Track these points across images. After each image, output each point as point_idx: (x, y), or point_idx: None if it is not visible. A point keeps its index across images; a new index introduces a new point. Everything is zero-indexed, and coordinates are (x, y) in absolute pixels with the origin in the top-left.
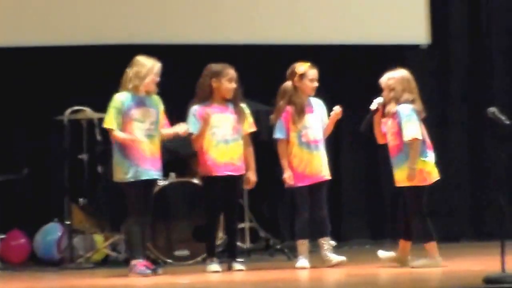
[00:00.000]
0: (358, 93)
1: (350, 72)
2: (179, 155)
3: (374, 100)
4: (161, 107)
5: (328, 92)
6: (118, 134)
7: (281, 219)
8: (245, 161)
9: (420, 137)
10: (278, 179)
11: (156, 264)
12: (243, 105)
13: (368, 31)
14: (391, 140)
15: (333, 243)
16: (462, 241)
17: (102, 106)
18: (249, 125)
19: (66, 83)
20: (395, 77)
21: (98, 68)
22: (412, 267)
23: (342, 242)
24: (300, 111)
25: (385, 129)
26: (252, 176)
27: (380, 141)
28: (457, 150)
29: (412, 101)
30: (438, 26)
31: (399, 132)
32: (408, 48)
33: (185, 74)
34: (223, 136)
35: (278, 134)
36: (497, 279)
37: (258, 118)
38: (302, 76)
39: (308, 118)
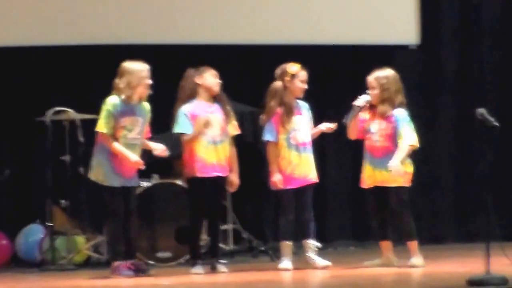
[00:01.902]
0: (346, 94)
1: (338, 73)
2: (162, 157)
3: (361, 97)
4: (148, 116)
5: (315, 93)
6: (114, 145)
7: (265, 221)
8: (229, 163)
9: (418, 146)
10: (262, 181)
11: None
12: (228, 107)
13: (357, 31)
14: (378, 141)
15: (318, 245)
16: (446, 243)
17: (84, 107)
18: (234, 128)
19: (48, 83)
20: (388, 77)
21: (80, 69)
22: (399, 266)
23: (327, 243)
24: (290, 113)
25: (373, 129)
26: (235, 179)
27: (353, 136)
28: (445, 151)
29: (404, 105)
30: (428, 27)
31: (391, 135)
32: (397, 48)
33: (165, 74)
34: (212, 137)
35: (268, 137)
36: (481, 281)
37: (242, 119)
38: (293, 76)
39: (297, 120)
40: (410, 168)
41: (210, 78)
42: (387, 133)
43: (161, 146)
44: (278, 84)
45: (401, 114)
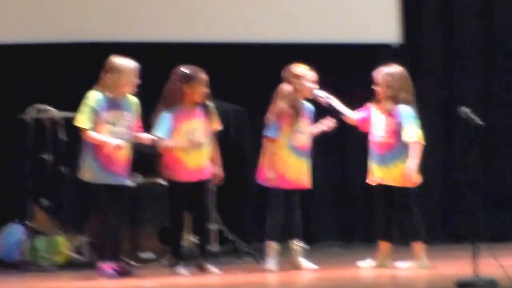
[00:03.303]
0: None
1: (320, 72)
2: (144, 155)
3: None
4: (138, 110)
5: None
6: (93, 134)
7: (249, 221)
8: (211, 157)
9: (423, 143)
10: (246, 180)
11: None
12: (210, 104)
13: (339, 30)
14: (382, 137)
15: (304, 246)
16: (434, 244)
17: (66, 104)
18: (216, 123)
19: (29, 80)
20: (393, 74)
21: (62, 66)
22: (397, 268)
23: (312, 244)
24: (298, 115)
25: (377, 125)
26: (220, 172)
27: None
28: (429, 151)
29: (410, 102)
30: (410, 25)
31: (396, 131)
32: (379, 47)
33: (147, 72)
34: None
35: (270, 133)
36: (470, 283)
37: (226, 118)
38: (301, 78)
39: (302, 123)
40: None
41: (198, 89)
42: (391, 129)
43: (147, 135)
44: (287, 86)
45: (405, 110)
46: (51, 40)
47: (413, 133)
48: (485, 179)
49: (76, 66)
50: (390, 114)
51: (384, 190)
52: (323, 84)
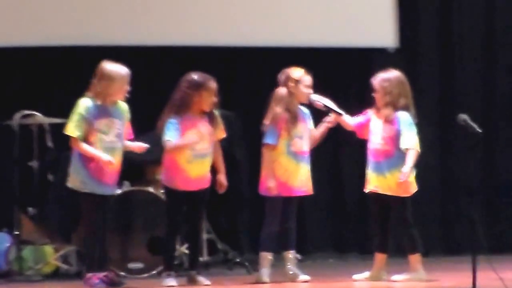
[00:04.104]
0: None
1: (315, 76)
2: (134, 162)
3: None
4: (128, 116)
5: None
6: (83, 146)
7: (241, 231)
8: (215, 164)
9: (419, 150)
10: (238, 188)
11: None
12: (216, 112)
13: (335, 34)
14: (380, 144)
15: (298, 256)
16: (431, 256)
17: (53, 110)
18: (221, 131)
19: (15, 86)
20: (391, 79)
21: (49, 71)
22: (393, 281)
23: (305, 255)
24: (294, 119)
25: (375, 132)
26: (224, 180)
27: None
28: (426, 159)
29: (409, 108)
30: (407, 29)
31: (393, 138)
32: (375, 51)
33: (140, 75)
34: (200, 151)
35: (269, 140)
36: None
37: None
38: (298, 81)
39: (300, 128)
40: (411, 176)
41: (207, 98)
42: (389, 136)
43: (139, 144)
44: (282, 89)
45: (403, 117)
46: (39, 44)
47: (410, 140)
48: (484, 189)
49: (63, 71)
50: (388, 121)
51: (380, 199)
52: (319, 88)
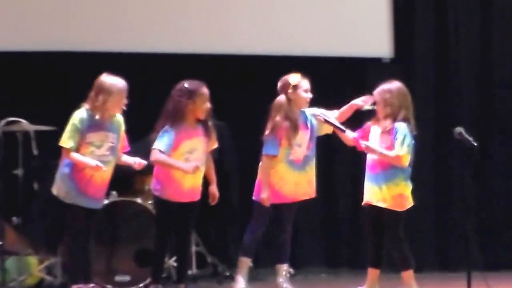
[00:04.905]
0: (318, 105)
1: (310, 85)
2: (122, 172)
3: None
4: (122, 128)
5: None
6: (74, 156)
7: (230, 244)
8: (207, 175)
9: (406, 164)
10: (228, 200)
11: None
12: (210, 121)
13: (330, 43)
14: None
15: (291, 271)
16: (426, 271)
17: (39, 118)
18: (213, 141)
19: (0, 92)
20: (392, 91)
21: (35, 77)
22: None
23: (297, 269)
24: (295, 128)
25: (373, 143)
26: (216, 191)
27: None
28: (420, 172)
29: (409, 120)
30: (402, 40)
31: (390, 149)
32: (370, 61)
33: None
34: (194, 162)
35: (271, 150)
36: None
37: None
38: (296, 87)
39: (301, 135)
40: (407, 191)
41: (200, 105)
42: (386, 147)
43: (139, 160)
44: (281, 98)
45: (400, 127)
46: (24, 49)
47: (400, 149)
48: (479, 205)
49: (48, 78)
50: (386, 132)
51: (374, 212)
52: (315, 96)
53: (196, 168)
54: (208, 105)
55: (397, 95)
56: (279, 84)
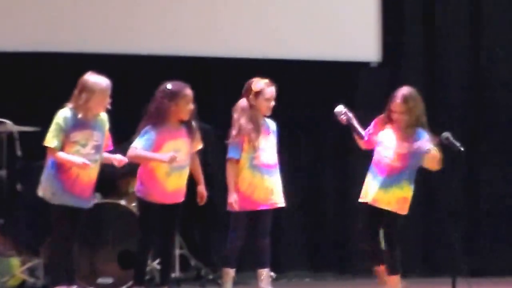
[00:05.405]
0: (306, 109)
1: (298, 89)
2: (106, 174)
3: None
4: (107, 127)
5: (275, 109)
6: (59, 155)
7: (214, 247)
8: (194, 176)
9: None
10: (212, 203)
11: None
12: (194, 122)
13: (318, 47)
14: (391, 159)
15: (272, 275)
16: (411, 277)
17: (23, 118)
18: (198, 142)
19: None
20: (414, 98)
21: (20, 78)
22: None
23: (280, 274)
24: (257, 131)
25: (388, 146)
26: (204, 190)
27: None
28: None
29: (426, 125)
30: (390, 44)
31: (407, 156)
32: (358, 65)
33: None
34: (178, 163)
35: (232, 154)
36: None
37: None
38: (258, 94)
39: (264, 140)
40: (410, 194)
41: (183, 106)
42: (403, 153)
43: (120, 157)
44: (243, 101)
45: (423, 133)
46: (8, 49)
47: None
48: (465, 210)
49: (34, 78)
50: (406, 138)
51: (375, 213)
52: (300, 101)
53: (173, 159)
54: (191, 106)
55: (419, 101)
56: (244, 86)
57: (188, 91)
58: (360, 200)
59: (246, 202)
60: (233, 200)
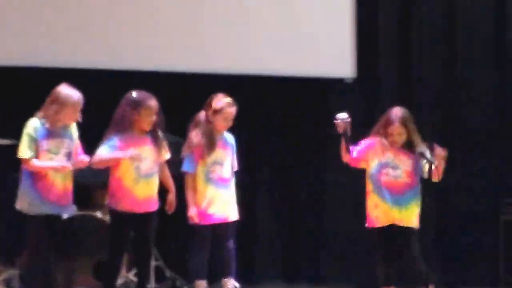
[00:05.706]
0: (279, 126)
1: (270, 104)
2: (81, 186)
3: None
4: (76, 135)
5: (250, 125)
6: (35, 164)
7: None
8: (164, 184)
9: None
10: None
11: None
12: (159, 132)
13: (291, 63)
14: (401, 177)
15: (237, 285)
16: None
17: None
18: (165, 152)
19: None
20: (409, 117)
21: None
22: None
23: (251, 285)
24: (211, 145)
25: (395, 165)
26: (173, 199)
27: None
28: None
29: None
30: (364, 59)
31: (414, 171)
32: (332, 81)
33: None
34: (145, 171)
35: (187, 168)
36: None
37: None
38: (216, 112)
39: (220, 154)
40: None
41: (145, 117)
42: (410, 170)
43: (82, 157)
44: (201, 114)
45: (423, 148)
46: None
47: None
48: (438, 222)
49: (9, 91)
50: (408, 155)
51: (393, 233)
52: (274, 117)
53: (135, 157)
54: (153, 118)
55: (412, 118)
56: (207, 100)
57: (152, 102)
58: (370, 225)
59: (203, 216)
60: (193, 213)
